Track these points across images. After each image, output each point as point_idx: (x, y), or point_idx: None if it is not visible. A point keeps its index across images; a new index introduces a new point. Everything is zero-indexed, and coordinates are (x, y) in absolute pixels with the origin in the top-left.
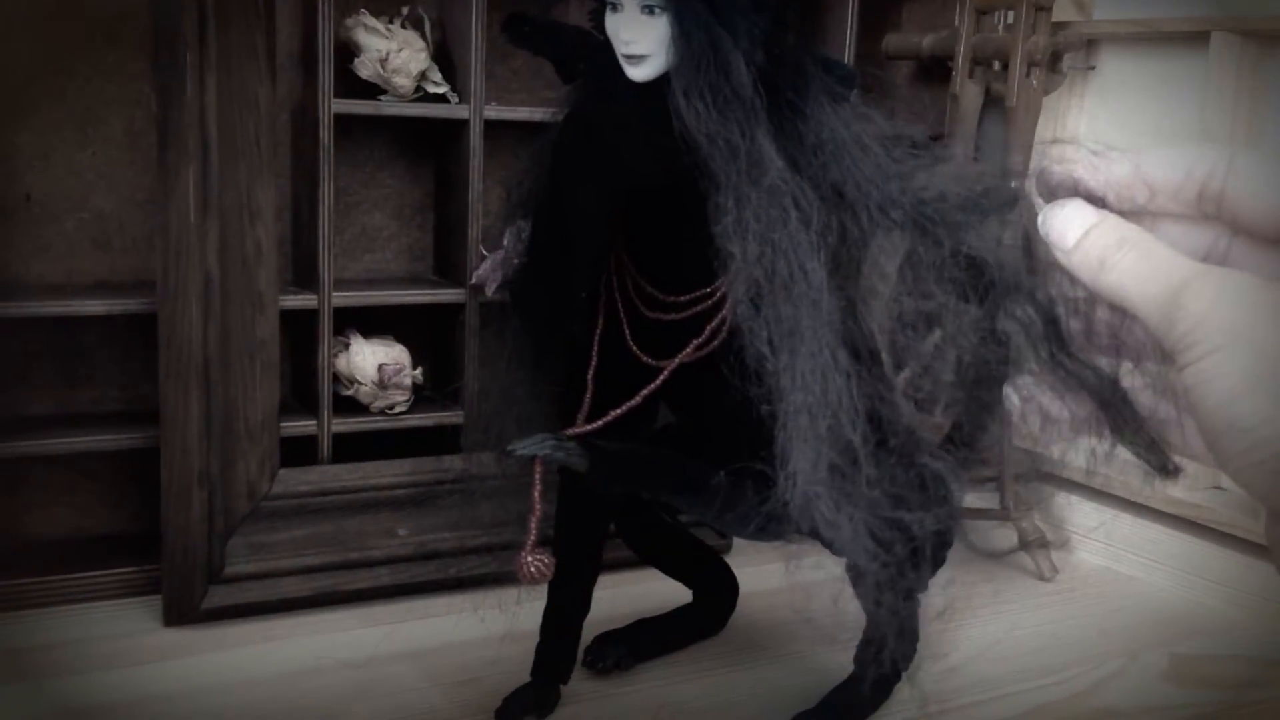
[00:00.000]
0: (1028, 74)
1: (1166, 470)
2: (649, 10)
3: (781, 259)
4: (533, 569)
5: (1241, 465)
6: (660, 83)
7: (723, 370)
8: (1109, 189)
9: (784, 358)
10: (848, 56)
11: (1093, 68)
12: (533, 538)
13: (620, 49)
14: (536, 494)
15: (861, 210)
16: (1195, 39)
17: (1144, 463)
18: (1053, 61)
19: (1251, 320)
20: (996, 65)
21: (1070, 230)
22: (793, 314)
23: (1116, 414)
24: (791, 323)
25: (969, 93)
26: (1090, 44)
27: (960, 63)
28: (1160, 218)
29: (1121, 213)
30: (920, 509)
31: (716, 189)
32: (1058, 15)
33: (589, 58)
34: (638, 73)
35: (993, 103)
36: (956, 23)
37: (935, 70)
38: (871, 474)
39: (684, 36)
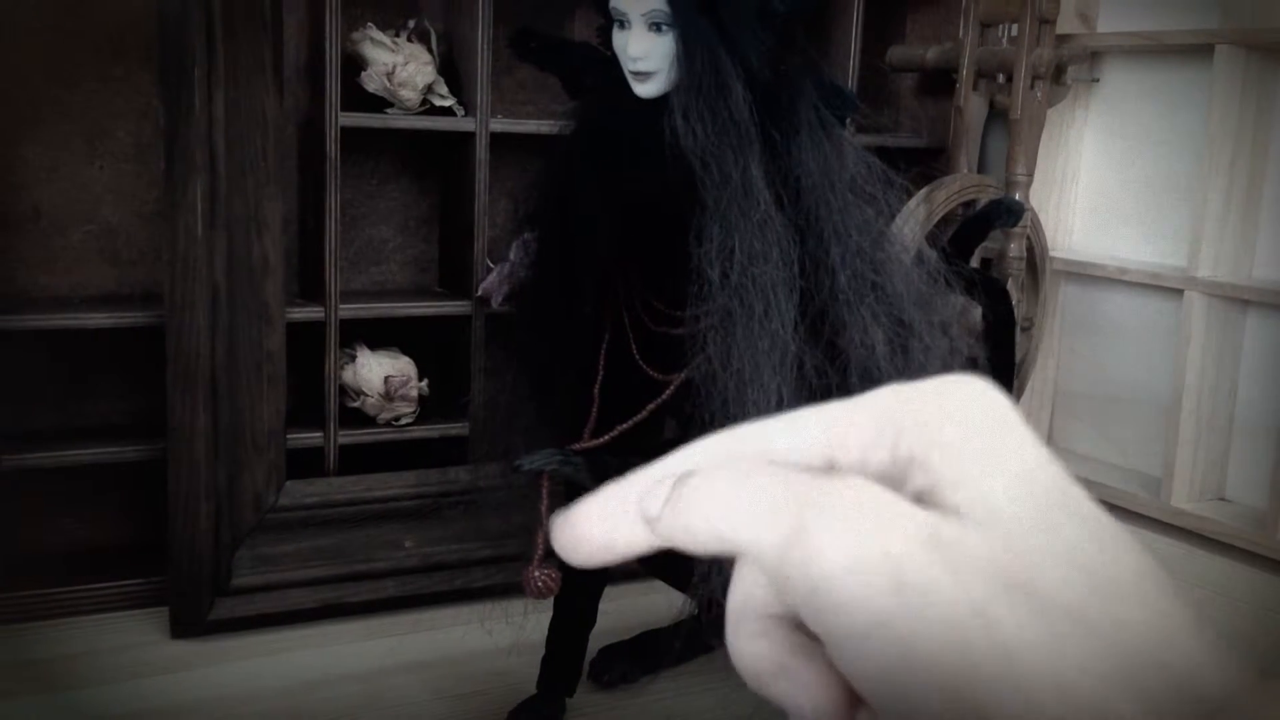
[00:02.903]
0: (1032, 86)
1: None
2: (656, 27)
3: (759, 294)
4: (539, 583)
5: None
6: (665, 100)
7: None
8: None
9: (745, 393)
10: (852, 69)
11: (1096, 80)
12: (540, 552)
13: (628, 65)
14: (544, 509)
15: (811, 262)
16: (1199, 52)
17: None
18: (1057, 74)
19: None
20: (1001, 77)
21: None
22: (760, 350)
23: None
24: (756, 358)
25: (973, 105)
26: (1094, 56)
27: (964, 75)
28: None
29: None
30: None
31: (703, 212)
32: (1062, 28)
33: (595, 74)
34: (645, 89)
35: (997, 114)
36: (961, 35)
37: (939, 82)
38: None
39: (688, 55)
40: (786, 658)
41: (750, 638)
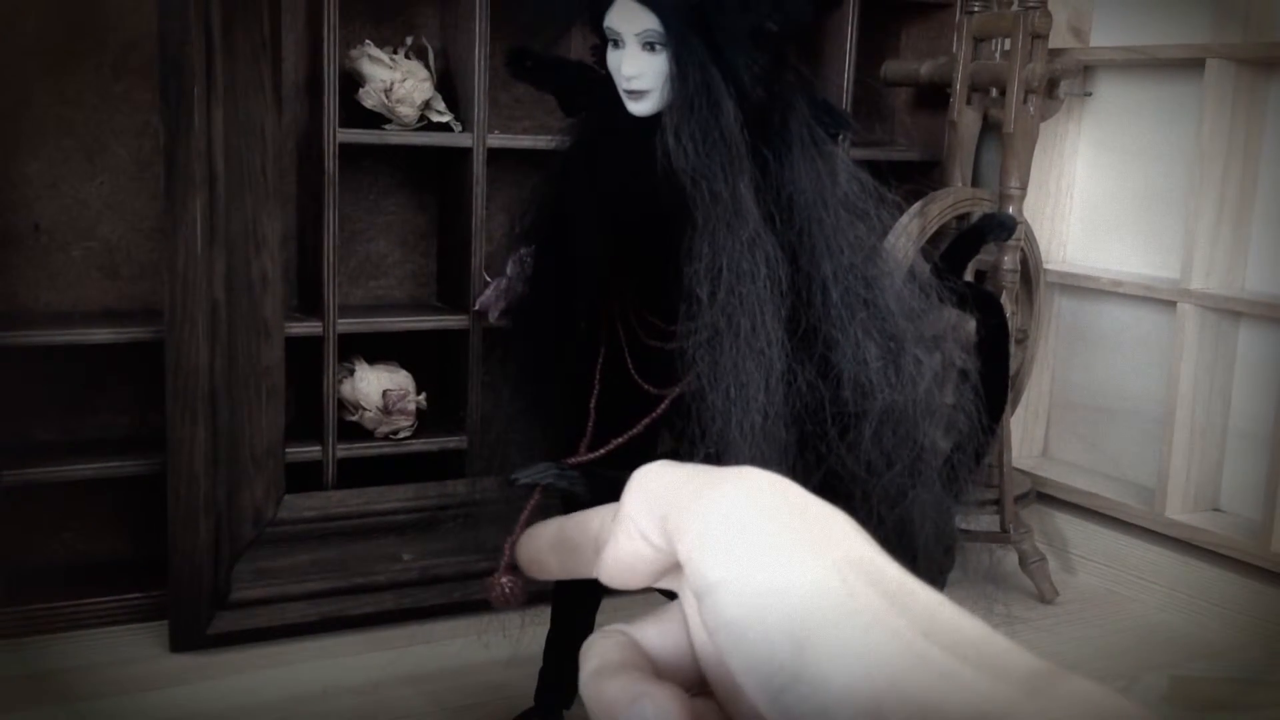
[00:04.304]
0: (1025, 100)
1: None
2: (650, 47)
3: (745, 313)
4: (506, 589)
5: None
6: (659, 118)
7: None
8: None
9: (731, 410)
10: (847, 83)
11: (1089, 94)
12: (506, 559)
13: (622, 84)
14: (523, 517)
15: (804, 279)
16: (1190, 66)
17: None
18: (1049, 88)
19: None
20: (994, 92)
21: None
22: (746, 368)
23: None
24: (742, 376)
25: (967, 119)
26: (1087, 70)
27: (958, 89)
28: None
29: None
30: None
31: (693, 230)
32: (1055, 42)
33: (591, 92)
34: (639, 107)
35: (990, 128)
36: (954, 50)
37: (934, 96)
38: None
39: (681, 75)
40: (643, 686)
41: (611, 677)
